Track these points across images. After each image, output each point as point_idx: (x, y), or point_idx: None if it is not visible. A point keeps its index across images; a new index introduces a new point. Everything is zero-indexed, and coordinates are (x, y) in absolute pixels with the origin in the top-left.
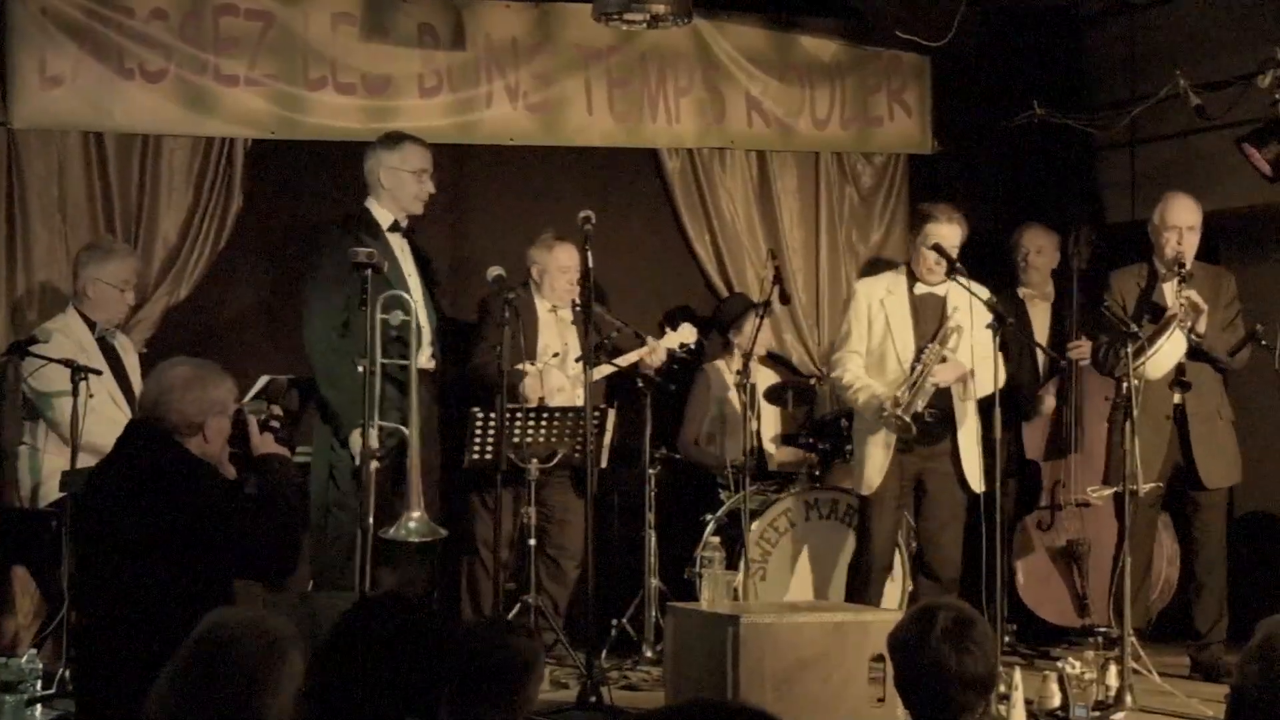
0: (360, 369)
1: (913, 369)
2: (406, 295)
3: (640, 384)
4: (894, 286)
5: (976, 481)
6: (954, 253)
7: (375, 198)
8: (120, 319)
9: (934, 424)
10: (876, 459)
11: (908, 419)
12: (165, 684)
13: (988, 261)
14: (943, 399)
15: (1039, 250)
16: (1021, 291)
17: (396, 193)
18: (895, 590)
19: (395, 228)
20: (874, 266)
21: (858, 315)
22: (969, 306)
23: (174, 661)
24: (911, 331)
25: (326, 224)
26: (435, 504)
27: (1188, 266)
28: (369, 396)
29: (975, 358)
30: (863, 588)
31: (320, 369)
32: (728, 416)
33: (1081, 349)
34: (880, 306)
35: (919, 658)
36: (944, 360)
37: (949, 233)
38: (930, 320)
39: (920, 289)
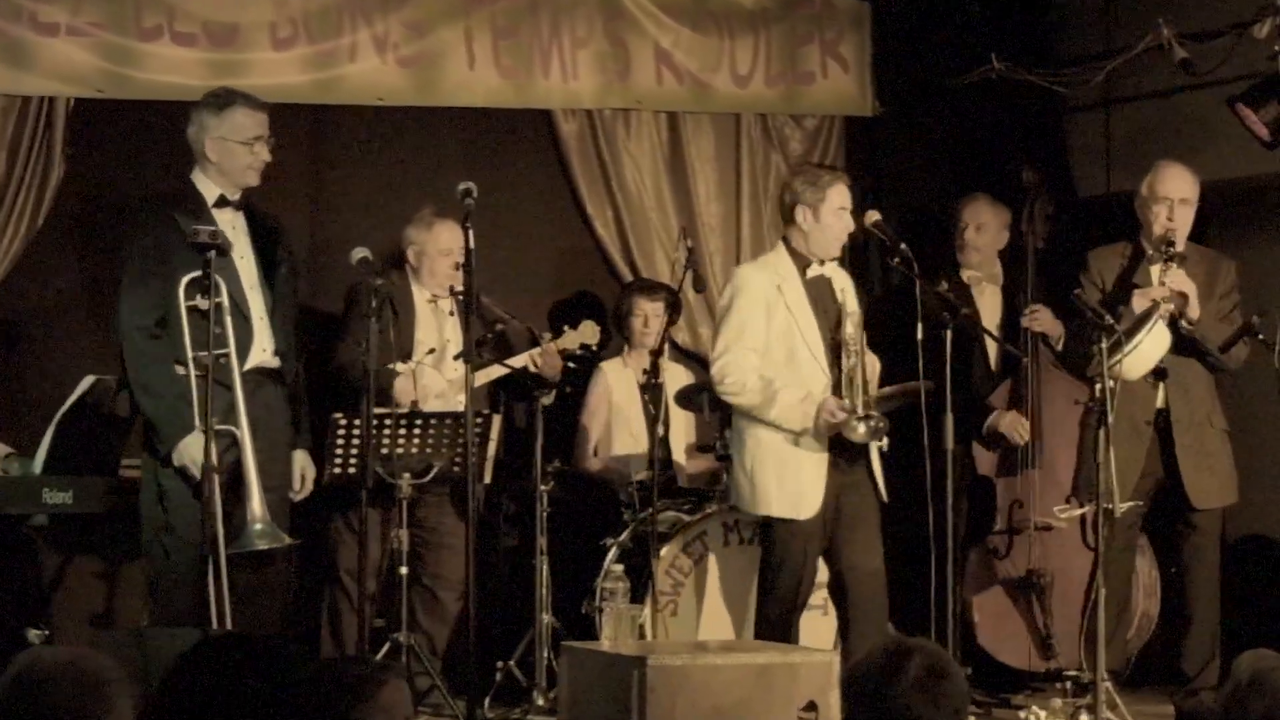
0: (183, 370)
1: (837, 365)
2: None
3: (530, 384)
4: (784, 272)
5: (883, 488)
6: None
7: (201, 169)
8: None
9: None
10: (808, 475)
11: (876, 417)
12: None
13: (936, 240)
14: None
15: (979, 227)
16: (966, 274)
17: (225, 165)
18: (829, 626)
19: (223, 202)
20: None
21: (752, 307)
22: (853, 288)
23: None
24: (815, 322)
25: (140, 201)
26: (286, 526)
27: (1178, 247)
28: (203, 399)
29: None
30: (785, 631)
31: (134, 374)
32: (631, 423)
33: (1039, 316)
34: (779, 295)
35: (883, 704)
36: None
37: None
38: (828, 307)
39: (812, 271)
